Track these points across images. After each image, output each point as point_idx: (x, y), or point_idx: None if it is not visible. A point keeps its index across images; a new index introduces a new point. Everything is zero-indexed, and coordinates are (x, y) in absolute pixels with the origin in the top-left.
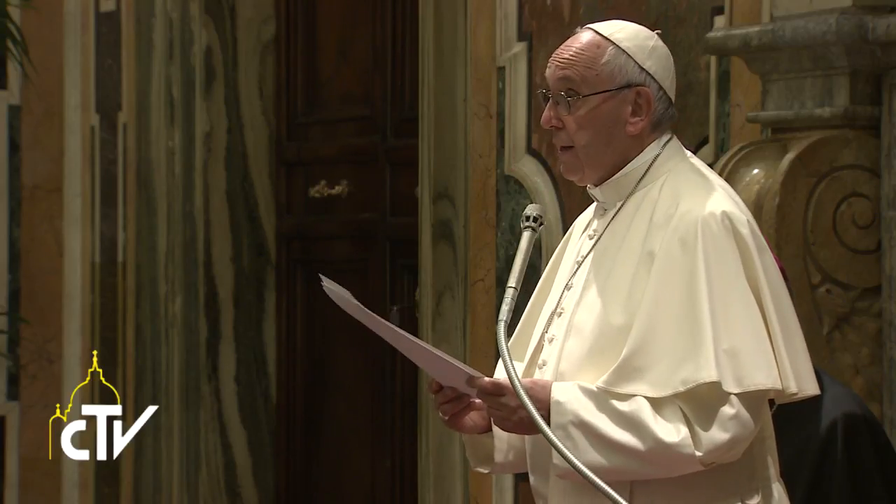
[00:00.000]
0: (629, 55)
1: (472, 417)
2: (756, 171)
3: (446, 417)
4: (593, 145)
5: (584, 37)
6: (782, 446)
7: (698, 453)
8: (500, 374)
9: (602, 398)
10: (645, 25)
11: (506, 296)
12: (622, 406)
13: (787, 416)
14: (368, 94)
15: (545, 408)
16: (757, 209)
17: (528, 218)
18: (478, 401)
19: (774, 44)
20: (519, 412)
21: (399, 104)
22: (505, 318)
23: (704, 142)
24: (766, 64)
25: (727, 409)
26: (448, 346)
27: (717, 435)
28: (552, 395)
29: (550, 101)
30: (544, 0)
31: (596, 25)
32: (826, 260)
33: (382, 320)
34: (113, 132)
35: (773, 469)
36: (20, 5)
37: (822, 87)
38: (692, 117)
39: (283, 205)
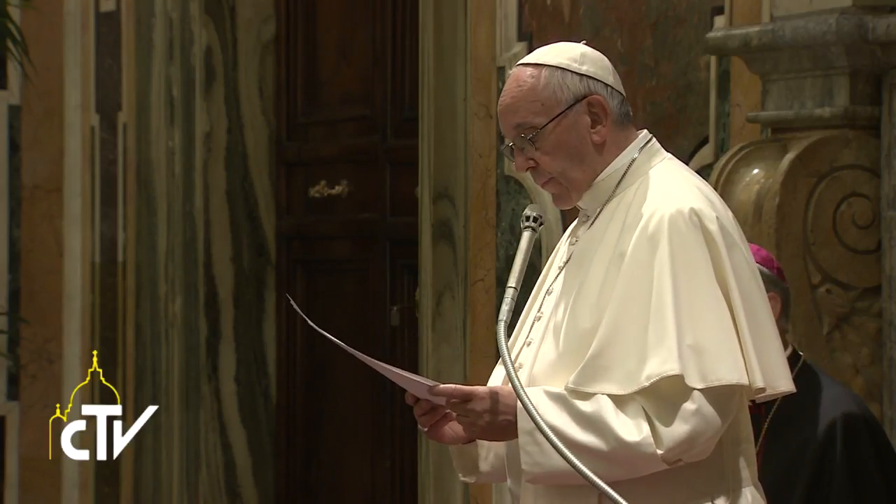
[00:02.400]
0: (564, 69)
1: (453, 427)
2: (756, 171)
3: (426, 429)
4: (569, 169)
5: (517, 75)
6: (782, 447)
7: (659, 451)
8: (497, 374)
9: (566, 400)
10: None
11: (506, 296)
12: (584, 407)
13: (786, 416)
14: (368, 94)
15: (512, 413)
16: (757, 209)
17: (527, 218)
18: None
19: (774, 44)
20: (484, 416)
21: (399, 104)
22: (505, 318)
23: (704, 142)
24: (766, 64)
25: (688, 405)
26: (448, 346)
27: (677, 429)
28: (518, 401)
29: (514, 148)
30: (544, 0)
31: (523, 60)
32: (826, 260)
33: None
34: (113, 132)
35: (748, 473)
36: (20, 5)
37: (822, 87)
38: (692, 117)
39: (283, 205)
